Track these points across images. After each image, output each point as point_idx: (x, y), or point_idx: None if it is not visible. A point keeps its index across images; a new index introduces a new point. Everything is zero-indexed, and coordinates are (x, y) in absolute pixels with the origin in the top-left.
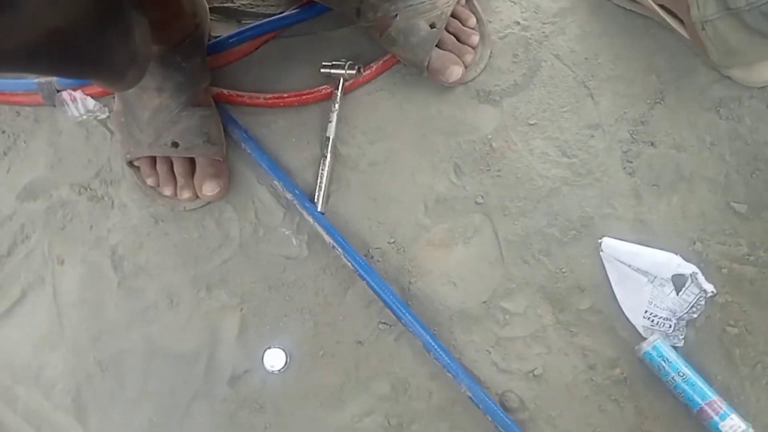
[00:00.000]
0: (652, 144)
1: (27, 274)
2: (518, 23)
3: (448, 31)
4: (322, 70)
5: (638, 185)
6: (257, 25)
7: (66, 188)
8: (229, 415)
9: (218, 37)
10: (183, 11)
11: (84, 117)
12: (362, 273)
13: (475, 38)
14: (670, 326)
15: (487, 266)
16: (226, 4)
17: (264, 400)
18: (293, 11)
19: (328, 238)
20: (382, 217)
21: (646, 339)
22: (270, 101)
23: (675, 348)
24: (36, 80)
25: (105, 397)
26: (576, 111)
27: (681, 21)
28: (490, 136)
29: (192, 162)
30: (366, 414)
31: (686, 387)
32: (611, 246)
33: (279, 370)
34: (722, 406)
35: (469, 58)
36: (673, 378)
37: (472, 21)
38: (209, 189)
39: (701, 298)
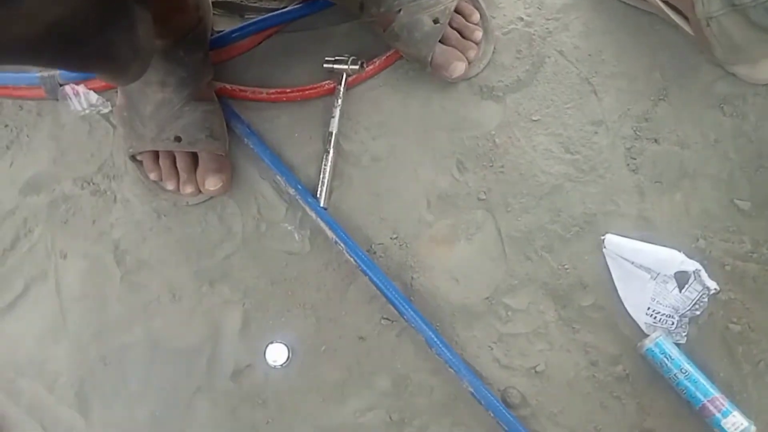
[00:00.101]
0: (655, 141)
1: (30, 268)
2: (522, 19)
3: (452, 27)
4: (325, 66)
5: (641, 182)
6: (260, 20)
7: (69, 182)
8: (231, 409)
9: (221, 31)
10: (186, 5)
11: (87, 111)
12: (364, 268)
13: (479, 34)
14: (673, 323)
15: (489, 262)
16: None
17: (266, 394)
18: (296, 6)
19: (330, 234)
20: (385, 212)
21: (648, 336)
22: (273, 96)
23: (677, 345)
24: (39, 74)
25: (108, 390)
26: (579, 107)
27: (685, 17)
28: (493, 132)
29: (195, 157)
30: (368, 409)
31: (688, 384)
32: (614, 242)
33: (281, 365)
34: (724, 403)
35: (472, 53)
36: (675, 375)
37: (476, 17)
38: (212, 184)
39: (704, 295)
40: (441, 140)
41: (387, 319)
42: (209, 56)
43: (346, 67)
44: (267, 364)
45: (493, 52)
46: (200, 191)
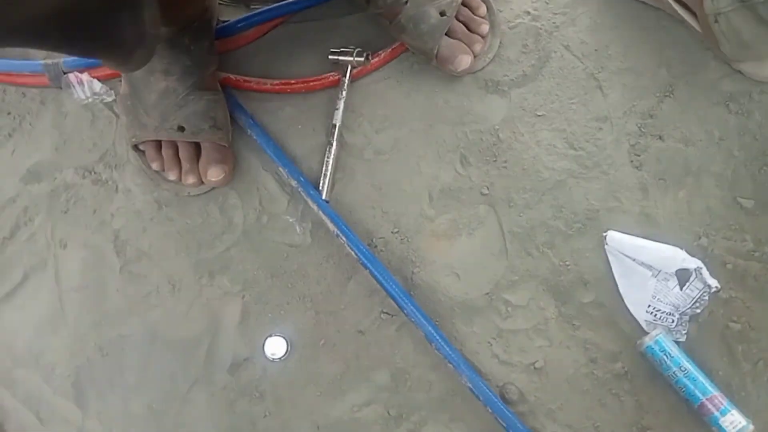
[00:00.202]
0: (660, 138)
1: (29, 257)
2: (529, 13)
3: (458, 20)
4: (330, 57)
5: (645, 179)
6: (266, 10)
7: (70, 171)
8: (228, 402)
9: (227, 21)
10: None
11: (90, 100)
12: (365, 262)
13: (485, 27)
14: (673, 321)
15: (490, 258)
16: None
17: (264, 388)
18: None
19: (331, 227)
20: (387, 206)
21: (648, 333)
22: (277, 87)
23: (677, 343)
24: (42, 61)
25: (105, 382)
26: (584, 103)
27: (693, 13)
28: (497, 127)
29: (197, 147)
30: (366, 404)
31: (687, 382)
32: (616, 239)
33: (279, 359)
34: (723, 401)
35: (478, 47)
36: (674, 373)
37: (483, 10)
38: (214, 174)
39: (705, 294)
40: (445, 134)
41: (387, 313)
42: (214, 46)
43: (351, 59)
44: (265, 357)
45: (499, 46)
46: (202, 182)
